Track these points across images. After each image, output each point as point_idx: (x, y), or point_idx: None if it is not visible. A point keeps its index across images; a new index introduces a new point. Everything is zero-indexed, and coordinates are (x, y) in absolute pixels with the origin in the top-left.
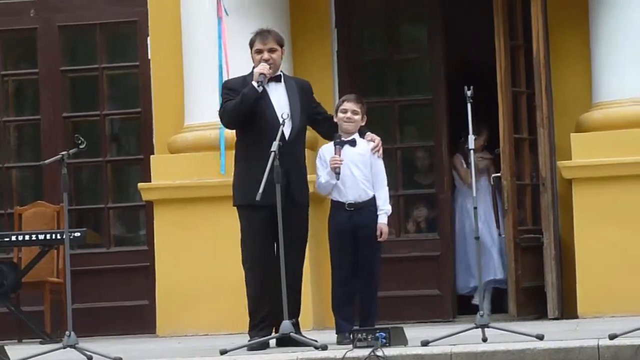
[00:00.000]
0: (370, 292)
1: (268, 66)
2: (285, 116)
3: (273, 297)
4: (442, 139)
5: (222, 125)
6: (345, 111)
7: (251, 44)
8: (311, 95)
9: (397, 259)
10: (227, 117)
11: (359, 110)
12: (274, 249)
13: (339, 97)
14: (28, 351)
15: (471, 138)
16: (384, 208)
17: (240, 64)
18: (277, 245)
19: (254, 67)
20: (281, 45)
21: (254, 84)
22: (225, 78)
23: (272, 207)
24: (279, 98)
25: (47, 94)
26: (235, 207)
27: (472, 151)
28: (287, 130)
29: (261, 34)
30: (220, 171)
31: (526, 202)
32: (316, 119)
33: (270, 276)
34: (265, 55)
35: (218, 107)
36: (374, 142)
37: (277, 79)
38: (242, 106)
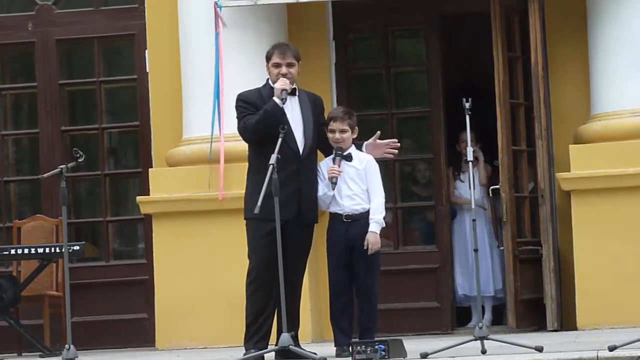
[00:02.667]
0: (368, 305)
1: (288, 81)
2: (283, 129)
3: (272, 310)
4: (440, 151)
5: (213, 140)
6: (333, 131)
7: (268, 57)
8: (322, 112)
9: (396, 271)
10: (250, 133)
11: (347, 128)
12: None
13: None
14: None
15: (469, 150)
16: (374, 217)
17: (237, 76)
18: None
19: (268, 79)
20: (298, 60)
21: (276, 100)
22: (220, 92)
23: (281, 222)
24: (293, 112)
25: (45, 108)
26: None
27: (470, 163)
28: (300, 146)
29: (280, 48)
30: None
31: (525, 214)
32: (323, 137)
33: (272, 289)
34: (284, 69)
35: (213, 115)
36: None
37: (292, 92)
38: (266, 123)
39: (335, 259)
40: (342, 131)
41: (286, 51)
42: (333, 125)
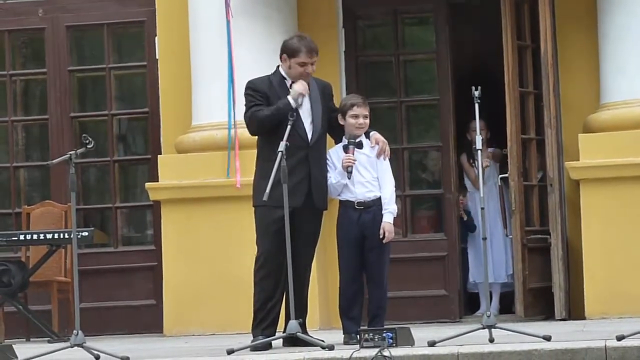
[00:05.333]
0: (378, 293)
1: (307, 85)
2: (292, 117)
3: (280, 297)
4: (449, 139)
5: (229, 127)
6: (356, 117)
7: (293, 53)
8: (331, 99)
9: (404, 260)
10: (256, 126)
11: (367, 113)
12: (285, 250)
13: None
14: (36, 350)
15: (479, 138)
16: (388, 207)
17: (247, 63)
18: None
19: (278, 67)
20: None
21: (291, 100)
22: (233, 79)
23: (289, 209)
24: (303, 100)
25: (55, 94)
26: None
27: (479, 151)
28: (309, 133)
29: (307, 47)
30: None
31: (533, 202)
32: (332, 124)
33: (280, 276)
34: (310, 69)
35: (227, 104)
36: (378, 144)
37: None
38: (275, 120)
39: (346, 246)
40: (365, 117)
41: (313, 52)
42: (356, 110)
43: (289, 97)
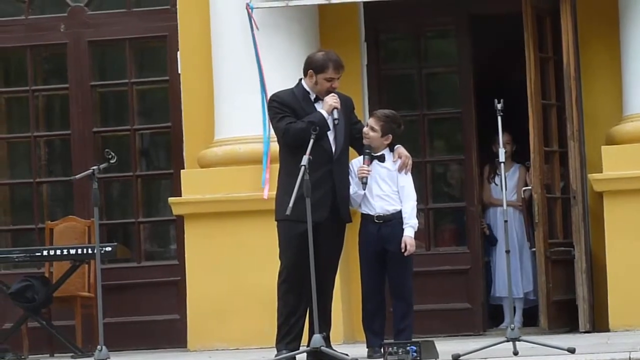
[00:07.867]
0: (402, 306)
1: (338, 99)
2: (315, 131)
3: (304, 311)
4: (471, 152)
5: (264, 140)
6: (366, 124)
7: (320, 68)
8: (352, 112)
9: (427, 273)
10: (293, 139)
11: (377, 128)
12: (308, 264)
13: (368, 111)
14: None
15: (502, 151)
16: (409, 222)
17: (268, 77)
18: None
19: (300, 80)
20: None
21: (325, 114)
22: (265, 91)
23: (313, 223)
24: (339, 114)
25: (77, 109)
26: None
27: (502, 164)
28: (334, 147)
29: (335, 63)
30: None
31: (557, 215)
32: (355, 136)
33: (303, 290)
34: (336, 84)
35: (262, 116)
36: (400, 158)
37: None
38: (307, 134)
39: (367, 260)
40: (371, 129)
41: (340, 67)
42: (369, 120)
43: (323, 111)
